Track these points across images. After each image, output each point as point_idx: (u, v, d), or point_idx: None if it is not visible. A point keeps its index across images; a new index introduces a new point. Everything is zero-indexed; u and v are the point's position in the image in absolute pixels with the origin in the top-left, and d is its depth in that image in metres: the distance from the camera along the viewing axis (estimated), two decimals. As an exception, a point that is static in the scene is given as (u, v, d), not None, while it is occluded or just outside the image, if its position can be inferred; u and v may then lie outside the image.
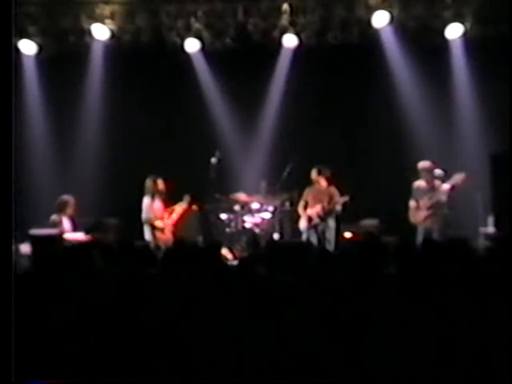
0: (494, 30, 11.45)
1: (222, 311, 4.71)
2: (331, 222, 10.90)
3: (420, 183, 10.54)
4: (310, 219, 10.94)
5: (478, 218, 10.86)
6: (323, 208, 10.85)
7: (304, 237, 10.93)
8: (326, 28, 11.97)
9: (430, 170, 10.46)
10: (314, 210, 10.89)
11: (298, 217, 11.25)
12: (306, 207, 11.04)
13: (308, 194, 11.08)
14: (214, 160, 11.33)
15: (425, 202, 10.40)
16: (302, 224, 11.01)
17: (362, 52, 12.07)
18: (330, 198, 10.88)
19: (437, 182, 10.47)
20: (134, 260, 6.17)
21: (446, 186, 10.34)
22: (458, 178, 10.27)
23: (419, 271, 5.47)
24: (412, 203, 10.52)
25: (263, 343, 4.06)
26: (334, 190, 10.93)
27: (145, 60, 12.41)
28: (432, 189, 10.44)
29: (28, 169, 11.81)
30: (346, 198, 10.74)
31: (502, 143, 11.26)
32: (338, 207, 10.83)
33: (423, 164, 10.53)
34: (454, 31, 11.84)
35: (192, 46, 12.24)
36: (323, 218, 10.86)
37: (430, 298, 4.58)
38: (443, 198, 10.37)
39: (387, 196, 11.41)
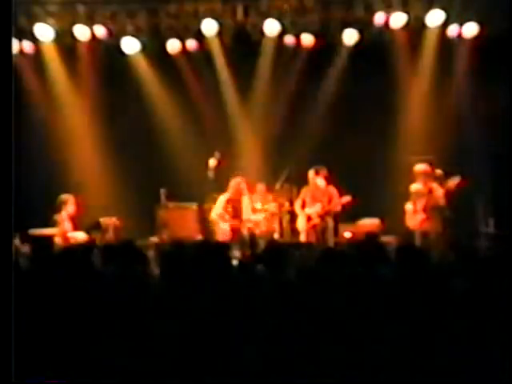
0: (494, 29, 11.44)
1: (222, 311, 4.70)
2: (330, 222, 10.89)
3: (417, 186, 10.51)
4: (309, 218, 10.93)
5: (478, 218, 10.85)
6: (323, 208, 10.85)
7: (303, 236, 10.92)
8: (326, 28, 11.98)
9: (426, 173, 10.43)
10: (314, 210, 10.89)
11: (297, 216, 11.25)
12: (303, 206, 11.04)
13: (306, 193, 11.08)
14: (212, 160, 11.31)
15: (422, 204, 10.38)
16: (301, 223, 11.00)
17: (361, 52, 12.08)
18: (330, 198, 10.88)
19: (434, 185, 10.44)
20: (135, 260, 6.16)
21: (440, 191, 10.30)
22: (452, 182, 10.25)
23: (418, 271, 5.47)
24: (409, 206, 10.49)
25: (262, 343, 4.06)
26: (333, 189, 10.94)
27: (144, 60, 12.44)
28: (430, 192, 10.41)
29: (28, 168, 11.78)
30: (348, 199, 10.74)
31: (502, 143, 11.25)
32: (339, 207, 10.83)
33: (419, 167, 10.51)
34: (453, 31, 11.83)
35: (191, 45, 12.24)
36: (323, 217, 10.85)
37: (429, 297, 4.58)
38: (441, 202, 10.33)
39: (387, 196, 11.42)
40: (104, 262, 7.01)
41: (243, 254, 10.30)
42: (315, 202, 10.93)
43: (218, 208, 10.98)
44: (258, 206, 11.47)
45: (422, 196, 10.41)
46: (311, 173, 11.01)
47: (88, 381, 3.91)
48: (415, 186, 10.54)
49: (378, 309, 4.67)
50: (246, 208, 11.03)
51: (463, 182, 10.23)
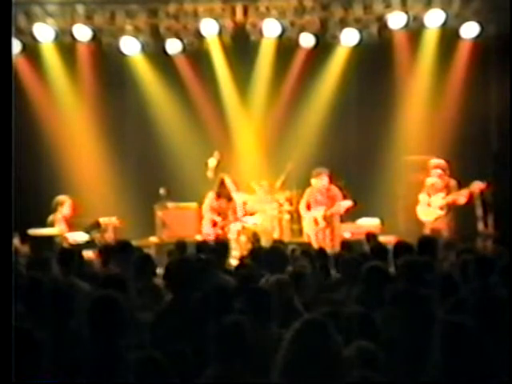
0: (495, 29, 11.45)
1: (222, 310, 4.70)
2: (336, 223, 10.84)
3: (433, 180, 10.43)
4: (315, 221, 10.83)
5: (478, 218, 10.84)
6: (326, 210, 10.77)
7: (313, 241, 10.77)
8: (325, 28, 12.00)
9: (443, 169, 10.38)
10: (319, 213, 10.77)
11: (298, 217, 11.24)
12: (308, 208, 10.96)
13: (310, 194, 10.99)
14: (212, 160, 11.30)
15: (438, 200, 10.32)
16: (308, 227, 10.90)
17: (361, 52, 12.10)
18: (332, 199, 10.80)
19: (452, 182, 10.39)
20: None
21: (465, 191, 10.23)
22: (476, 185, 10.18)
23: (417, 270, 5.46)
24: (424, 197, 10.41)
25: (262, 343, 4.06)
26: (335, 190, 10.86)
27: (144, 60, 12.47)
28: (446, 188, 10.35)
29: (28, 168, 11.78)
30: (349, 203, 10.68)
31: (502, 143, 11.25)
32: (342, 209, 10.78)
33: (434, 161, 10.47)
34: (454, 31, 11.85)
35: (190, 45, 12.26)
36: (328, 219, 10.77)
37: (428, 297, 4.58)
38: (462, 200, 10.27)
39: (387, 196, 11.43)
40: (103, 262, 7.04)
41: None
42: (318, 203, 10.85)
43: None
44: (257, 207, 11.50)
45: (439, 191, 10.36)
46: (314, 174, 10.93)
47: (87, 381, 3.91)
48: (431, 180, 10.47)
49: (378, 308, 4.68)
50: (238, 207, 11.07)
51: (487, 187, 10.18)
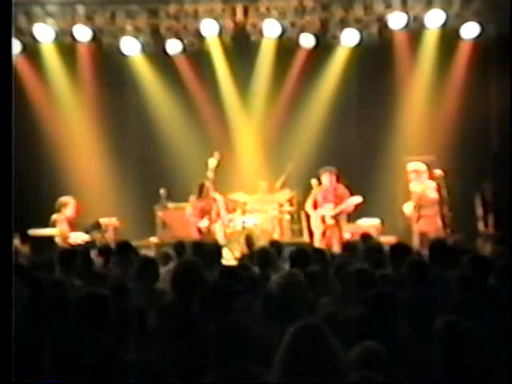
0: (495, 30, 11.46)
1: (221, 309, 4.70)
2: (343, 222, 10.83)
3: (415, 185, 10.43)
4: (323, 219, 10.80)
5: (478, 218, 10.84)
6: (334, 208, 10.74)
7: (317, 238, 10.74)
8: (326, 28, 12.01)
9: (418, 172, 10.34)
10: (327, 212, 10.73)
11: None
12: (315, 207, 10.91)
13: (317, 193, 10.94)
14: (212, 160, 11.29)
15: (417, 203, 10.33)
16: (315, 224, 10.87)
17: (361, 52, 12.10)
18: (340, 198, 10.75)
19: (429, 183, 10.35)
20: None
21: (432, 187, 10.23)
22: (438, 174, 10.19)
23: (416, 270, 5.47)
24: (408, 206, 10.40)
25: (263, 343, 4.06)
26: (343, 189, 10.81)
27: (144, 60, 12.47)
28: (424, 190, 10.34)
29: (28, 168, 11.79)
30: (358, 199, 10.64)
31: (502, 143, 11.24)
32: (351, 207, 10.75)
33: (411, 166, 10.43)
34: (454, 31, 11.86)
35: (191, 45, 12.26)
36: (336, 218, 10.74)
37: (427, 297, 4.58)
38: (431, 194, 10.23)
39: (387, 196, 11.43)
40: (103, 263, 7.05)
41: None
42: (326, 201, 10.81)
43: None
44: (257, 207, 11.49)
45: (419, 194, 10.35)
46: (321, 172, 10.88)
47: (88, 381, 3.91)
48: (413, 185, 10.46)
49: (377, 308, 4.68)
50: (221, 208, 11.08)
51: (443, 175, 10.16)
